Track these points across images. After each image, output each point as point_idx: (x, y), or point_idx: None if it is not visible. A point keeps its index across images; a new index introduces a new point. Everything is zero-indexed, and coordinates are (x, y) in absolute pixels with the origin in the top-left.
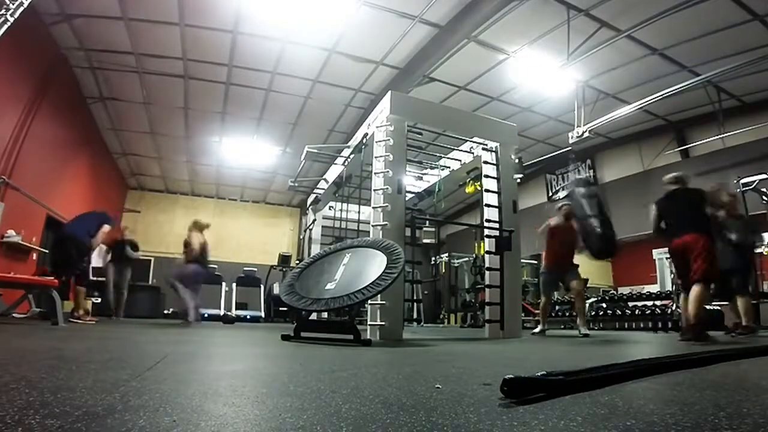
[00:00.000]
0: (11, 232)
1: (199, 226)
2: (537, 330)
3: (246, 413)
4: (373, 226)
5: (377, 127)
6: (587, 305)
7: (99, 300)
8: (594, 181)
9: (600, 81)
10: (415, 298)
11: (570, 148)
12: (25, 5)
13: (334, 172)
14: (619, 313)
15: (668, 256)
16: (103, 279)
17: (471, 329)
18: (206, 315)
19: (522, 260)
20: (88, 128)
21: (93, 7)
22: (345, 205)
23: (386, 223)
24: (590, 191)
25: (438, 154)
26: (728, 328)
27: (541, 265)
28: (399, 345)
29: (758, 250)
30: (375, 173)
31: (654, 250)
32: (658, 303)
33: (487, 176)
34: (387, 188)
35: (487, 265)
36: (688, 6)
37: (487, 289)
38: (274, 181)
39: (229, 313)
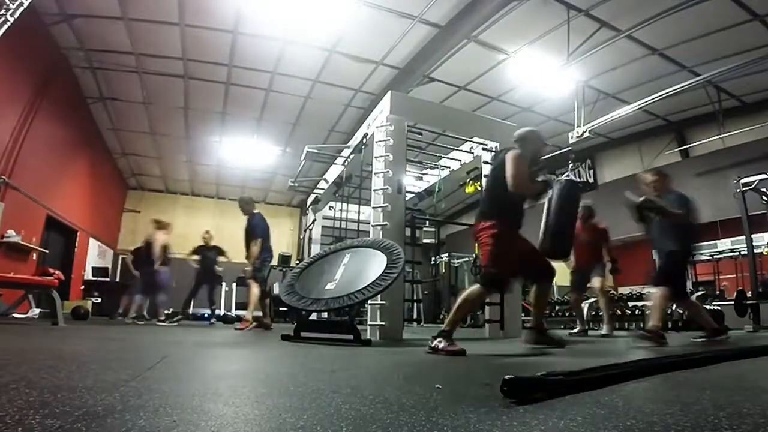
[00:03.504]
0: (11, 232)
1: (161, 226)
2: (575, 330)
3: (246, 413)
4: (373, 226)
5: (377, 127)
6: (588, 305)
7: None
8: (577, 186)
9: (600, 81)
10: (415, 298)
11: (570, 148)
12: (25, 5)
13: (334, 172)
14: (619, 313)
15: None
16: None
17: (471, 329)
18: (205, 315)
19: None
20: (88, 128)
21: (93, 7)
22: (345, 205)
23: (386, 223)
24: (568, 194)
25: (438, 154)
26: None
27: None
28: (399, 345)
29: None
30: (375, 173)
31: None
32: None
33: (486, 176)
34: (387, 188)
35: None
36: (688, 6)
37: None
38: (274, 181)
39: (229, 313)
